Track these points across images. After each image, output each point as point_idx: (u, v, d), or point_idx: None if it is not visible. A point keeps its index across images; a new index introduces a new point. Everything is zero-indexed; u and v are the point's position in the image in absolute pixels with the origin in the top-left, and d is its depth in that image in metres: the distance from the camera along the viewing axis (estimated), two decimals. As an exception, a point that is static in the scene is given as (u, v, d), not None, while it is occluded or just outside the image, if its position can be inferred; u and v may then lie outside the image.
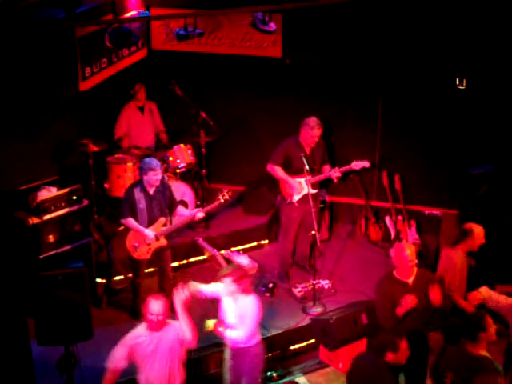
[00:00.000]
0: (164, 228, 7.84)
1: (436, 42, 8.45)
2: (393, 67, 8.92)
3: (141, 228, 7.71)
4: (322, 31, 8.91)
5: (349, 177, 9.54)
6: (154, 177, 7.62)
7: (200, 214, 7.91)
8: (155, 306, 5.97)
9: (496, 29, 8.05)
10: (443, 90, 8.87)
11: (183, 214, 8.00)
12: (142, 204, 7.69)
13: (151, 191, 7.72)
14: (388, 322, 6.52)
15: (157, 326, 6.00)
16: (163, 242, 7.86)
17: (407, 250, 6.59)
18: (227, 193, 7.84)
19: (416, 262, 6.65)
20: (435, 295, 6.52)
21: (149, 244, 7.77)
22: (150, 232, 7.73)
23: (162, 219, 7.83)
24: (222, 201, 7.88)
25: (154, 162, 7.67)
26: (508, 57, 8.15)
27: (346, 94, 9.44)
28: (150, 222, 7.77)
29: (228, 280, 6.45)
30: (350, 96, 9.44)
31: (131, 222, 7.72)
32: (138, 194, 7.69)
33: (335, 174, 8.35)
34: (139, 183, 7.75)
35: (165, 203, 7.83)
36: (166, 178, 9.10)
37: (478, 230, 7.13)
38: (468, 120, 9.02)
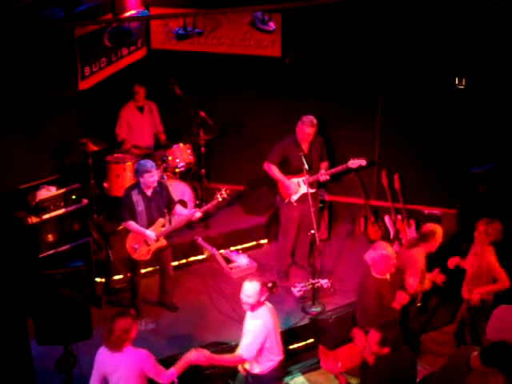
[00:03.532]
0: (163, 228, 7.84)
1: (435, 41, 8.46)
2: (392, 67, 8.93)
3: (142, 230, 7.70)
4: (321, 31, 8.91)
5: (348, 176, 9.54)
6: (150, 179, 7.61)
7: (198, 214, 7.90)
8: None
9: (495, 28, 8.05)
10: (442, 89, 8.87)
11: (181, 213, 8.00)
12: (140, 206, 7.68)
13: (149, 193, 7.71)
14: (377, 317, 6.60)
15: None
16: (163, 242, 7.86)
17: (388, 248, 6.74)
18: (225, 191, 7.83)
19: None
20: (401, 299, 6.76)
21: (149, 245, 7.77)
22: (151, 233, 7.73)
23: (161, 220, 7.82)
24: (221, 199, 7.88)
25: (149, 163, 7.65)
26: (508, 57, 8.15)
27: (346, 94, 9.44)
28: (150, 224, 7.76)
29: None
30: (349, 95, 9.44)
31: (132, 224, 7.72)
32: (135, 196, 7.68)
33: (322, 177, 8.37)
34: (136, 186, 7.74)
35: (163, 204, 7.83)
36: (165, 177, 9.13)
37: (439, 231, 7.23)
38: (467, 119, 9.02)
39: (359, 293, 6.96)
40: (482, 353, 5.54)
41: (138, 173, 7.66)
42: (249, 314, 6.19)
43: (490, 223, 7.02)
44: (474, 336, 7.28)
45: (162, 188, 7.83)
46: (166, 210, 7.92)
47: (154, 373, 5.65)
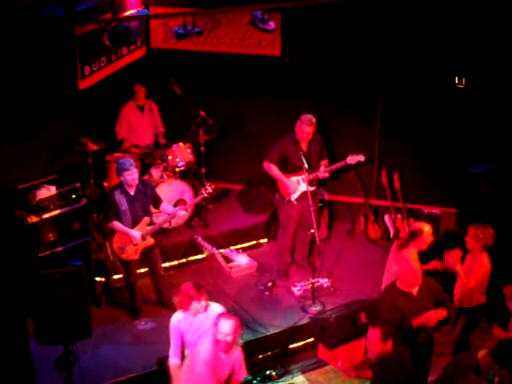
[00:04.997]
0: (149, 227, 7.82)
1: (435, 40, 8.45)
2: (392, 66, 8.92)
3: (127, 229, 7.70)
4: (321, 30, 8.90)
5: (347, 175, 9.54)
6: (130, 177, 7.60)
7: (182, 212, 7.93)
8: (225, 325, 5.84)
9: (496, 28, 8.05)
10: (442, 88, 8.86)
11: (167, 211, 8.01)
12: (124, 206, 7.67)
13: (132, 192, 7.70)
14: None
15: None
16: (150, 241, 7.84)
17: (414, 261, 6.55)
18: (210, 186, 7.87)
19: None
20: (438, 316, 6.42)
21: (136, 244, 7.75)
22: (136, 233, 7.71)
23: (147, 219, 7.80)
24: (206, 195, 7.92)
25: (128, 162, 7.65)
26: (508, 56, 8.14)
27: (346, 93, 9.43)
28: (135, 223, 7.74)
29: None
30: (349, 94, 9.44)
31: (117, 225, 7.72)
32: (118, 196, 7.67)
33: (321, 174, 8.38)
34: (119, 186, 7.74)
35: (147, 202, 7.82)
36: (165, 176, 9.13)
37: (427, 229, 7.16)
38: (467, 119, 9.02)
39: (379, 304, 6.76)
40: (494, 351, 5.48)
41: (118, 172, 7.67)
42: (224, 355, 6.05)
43: (480, 227, 6.96)
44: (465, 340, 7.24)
45: (145, 186, 7.82)
46: (150, 209, 7.91)
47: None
